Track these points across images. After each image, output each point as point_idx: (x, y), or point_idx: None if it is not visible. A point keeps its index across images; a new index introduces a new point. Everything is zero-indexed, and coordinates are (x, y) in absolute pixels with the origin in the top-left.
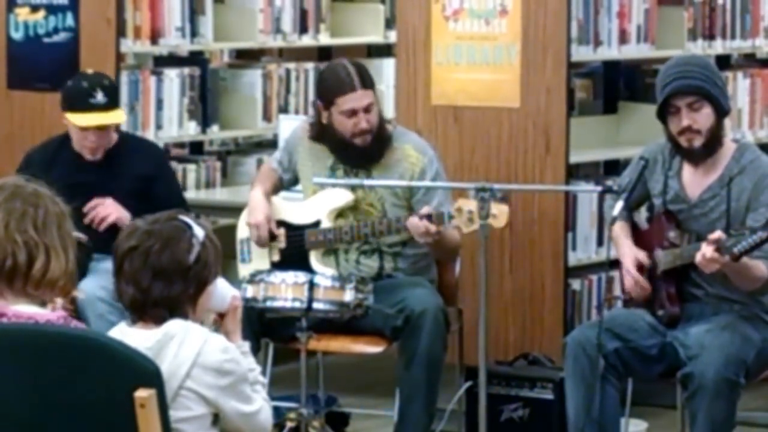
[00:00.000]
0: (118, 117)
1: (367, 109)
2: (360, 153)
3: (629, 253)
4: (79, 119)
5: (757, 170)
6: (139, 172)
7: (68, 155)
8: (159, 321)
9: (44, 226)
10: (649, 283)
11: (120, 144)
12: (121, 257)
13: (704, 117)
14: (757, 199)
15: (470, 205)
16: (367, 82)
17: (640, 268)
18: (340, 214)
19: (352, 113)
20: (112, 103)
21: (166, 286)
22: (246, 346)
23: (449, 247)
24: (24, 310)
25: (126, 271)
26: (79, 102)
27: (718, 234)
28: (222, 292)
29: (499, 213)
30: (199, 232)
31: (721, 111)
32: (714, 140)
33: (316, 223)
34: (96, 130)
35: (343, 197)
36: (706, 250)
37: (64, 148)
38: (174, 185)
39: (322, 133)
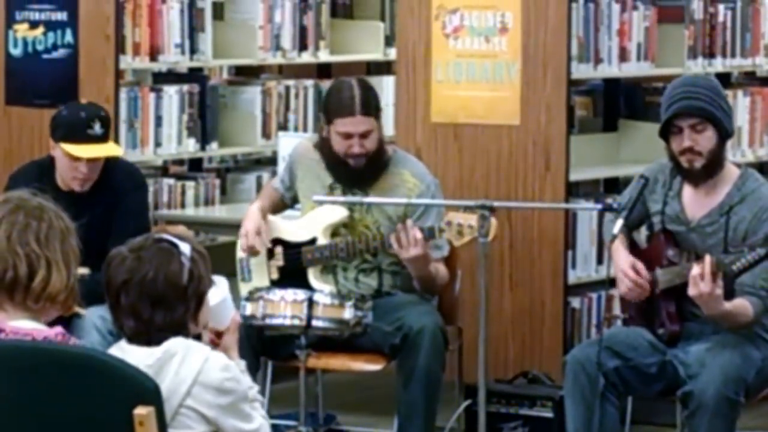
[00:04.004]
0: (115, 150)
1: (364, 135)
2: (352, 173)
3: (626, 259)
4: (76, 150)
5: (758, 201)
6: (116, 202)
7: (49, 186)
8: (161, 342)
9: (47, 240)
10: (647, 280)
11: (100, 174)
12: (116, 291)
13: (706, 139)
14: (755, 232)
15: (460, 218)
16: (370, 109)
17: (637, 273)
18: (336, 230)
19: (348, 136)
20: (107, 135)
21: (168, 313)
22: (242, 364)
23: (433, 275)
24: (22, 326)
25: (123, 304)
26: (76, 133)
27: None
28: (225, 310)
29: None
30: (185, 249)
31: (724, 134)
32: (715, 162)
33: (313, 240)
34: (88, 162)
35: (338, 213)
36: (700, 271)
37: (45, 178)
38: (137, 216)
39: (323, 144)
